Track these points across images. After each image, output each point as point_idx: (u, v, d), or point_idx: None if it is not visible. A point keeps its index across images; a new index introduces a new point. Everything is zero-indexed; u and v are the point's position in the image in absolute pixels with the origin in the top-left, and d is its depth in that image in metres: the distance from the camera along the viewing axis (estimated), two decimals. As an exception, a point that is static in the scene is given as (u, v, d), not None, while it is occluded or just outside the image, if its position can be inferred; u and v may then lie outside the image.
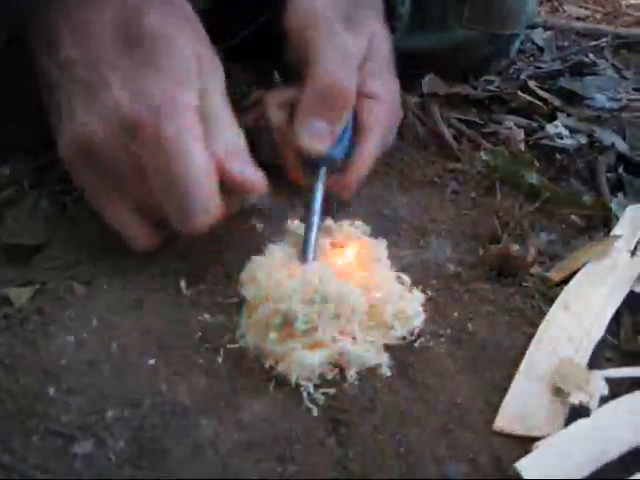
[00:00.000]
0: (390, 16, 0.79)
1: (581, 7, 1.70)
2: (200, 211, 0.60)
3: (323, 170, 0.69)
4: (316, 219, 0.66)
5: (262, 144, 0.71)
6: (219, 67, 0.64)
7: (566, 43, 1.36)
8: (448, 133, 0.91)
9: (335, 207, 0.73)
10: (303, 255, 0.64)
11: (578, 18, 1.62)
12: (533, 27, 1.37)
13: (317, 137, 0.68)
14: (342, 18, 0.71)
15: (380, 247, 0.68)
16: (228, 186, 0.62)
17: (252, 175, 0.63)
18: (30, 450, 0.51)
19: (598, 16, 1.65)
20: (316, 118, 0.68)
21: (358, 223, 0.69)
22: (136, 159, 0.60)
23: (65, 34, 0.61)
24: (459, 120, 0.96)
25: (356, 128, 0.72)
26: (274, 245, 0.67)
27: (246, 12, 0.91)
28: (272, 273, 0.62)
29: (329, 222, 0.69)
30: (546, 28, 1.40)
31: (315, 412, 0.55)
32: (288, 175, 0.75)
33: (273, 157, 0.73)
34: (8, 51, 0.72)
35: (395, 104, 0.75)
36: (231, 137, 0.63)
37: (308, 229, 0.66)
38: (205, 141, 0.60)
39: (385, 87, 0.73)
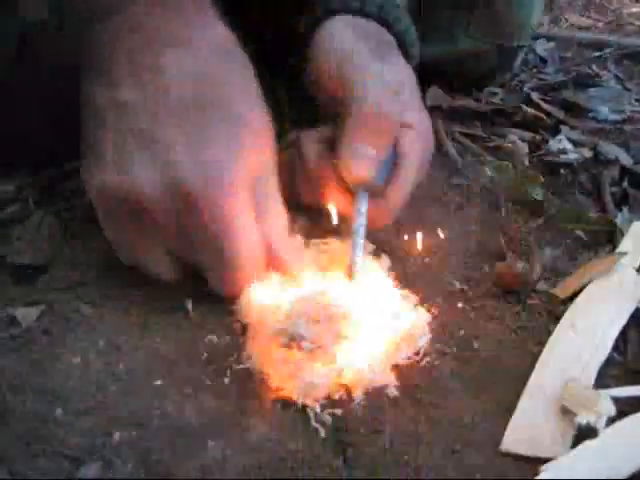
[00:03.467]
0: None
1: (583, 16, 1.70)
2: (240, 283, 0.63)
3: (365, 195, 0.69)
4: (360, 240, 0.67)
5: (296, 185, 0.72)
6: (274, 145, 0.65)
7: (569, 54, 1.37)
8: (452, 148, 0.91)
9: None
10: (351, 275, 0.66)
11: (580, 28, 1.62)
12: (536, 38, 1.37)
13: (363, 163, 0.67)
14: (374, 55, 0.71)
15: (384, 265, 0.68)
16: (270, 262, 0.64)
17: (293, 260, 0.66)
18: (37, 473, 0.51)
19: (600, 25, 1.65)
20: (363, 145, 0.67)
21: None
22: (184, 222, 0.60)
23: (126, 75, 0.59)
24: (463, 134, 0.97)
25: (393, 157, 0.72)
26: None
27: (252, 29, 0.91)
28: (272, 294, 0.63)
29: (335, 242, 0.70)
30: (549, 39, 1.40)
31: (322, 433, 0.55)
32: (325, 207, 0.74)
33: (307, 197, 0.73)
34: (17, 69, 0.72)
35: (429, 134, 0.75)
36: (280, 223, 0.65)
37: (354, 251, 0.67)
38: (256, 220, 0.62)
39: (418, 117, 0.73)
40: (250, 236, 0.61)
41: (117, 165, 0.60)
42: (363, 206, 0.69)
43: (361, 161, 0.67)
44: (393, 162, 0.71)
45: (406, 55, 0.80)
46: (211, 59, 0.61)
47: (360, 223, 0.68)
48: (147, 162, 0.59)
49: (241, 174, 0.59)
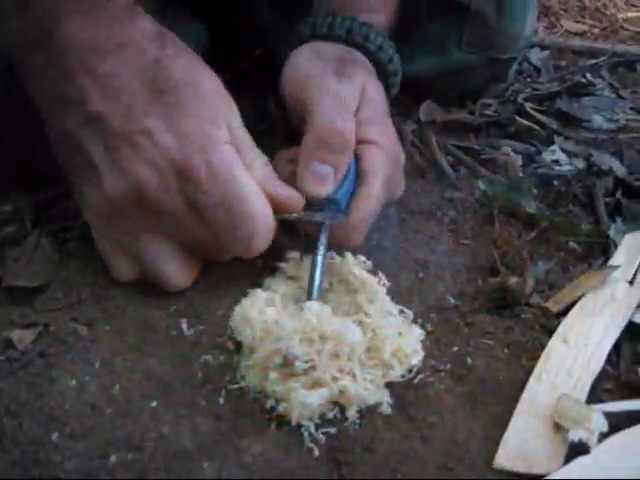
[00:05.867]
0: (383, 76, 0.82)
1: (578, 22, 1.71)
2: (262, 232, 0.65)
3: (327, 213, 0.69)
4: (320, 259, 0.67)
5: None
6: (233, 102, 0.67)
7: (563, 62, 1.37)
8: (445, 161, 0.92)
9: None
10: (309, 294, 0.66)
11: (575, 34, 1.62)
12: (530, 47, 1.37)
13: (319, 180, 0.68)
14: (333, 74, 0.73)
15: (378, 281, 0.69)
16: (272, 206, 0.66)
17: (291, 193, 0.68)
18: (34, 498, 0.52)
19: (596, 31, 1.65)
20: (317, 162, 0.68)
21: (362, 258, 0.70)
22: (190, 199, 0.62)
23: (90, 89, 0.62)
24: (456, 147, 0.97)
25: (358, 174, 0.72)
26: (256, 289, 0.67)
27: (241, 46, 0.92)
28: (263, 314, 0.63)
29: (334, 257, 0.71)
30: (543, 47, 1.40)
31: (316, 452, 0.56)
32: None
33: None
34: (13, 88, 0.73)
35: (394, 150, 0.75)
36: (262, 163, 0.67)
37: (313, 269, 0.67)
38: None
39: (382, 133, 0.73)
40: (252, 184, 0.64)
41: (113, 173, 0.62)
42: (325, 225, 0.69)
43: (317, 179, 0.69)
44: (356, 179, 0.71)
45: (385, 72, 0.81)
46: (151, 49, 0.63)
47: (321, 242, 0.68)
48: (138, 157, 0.61)
49: (216, 133, 0.63)
